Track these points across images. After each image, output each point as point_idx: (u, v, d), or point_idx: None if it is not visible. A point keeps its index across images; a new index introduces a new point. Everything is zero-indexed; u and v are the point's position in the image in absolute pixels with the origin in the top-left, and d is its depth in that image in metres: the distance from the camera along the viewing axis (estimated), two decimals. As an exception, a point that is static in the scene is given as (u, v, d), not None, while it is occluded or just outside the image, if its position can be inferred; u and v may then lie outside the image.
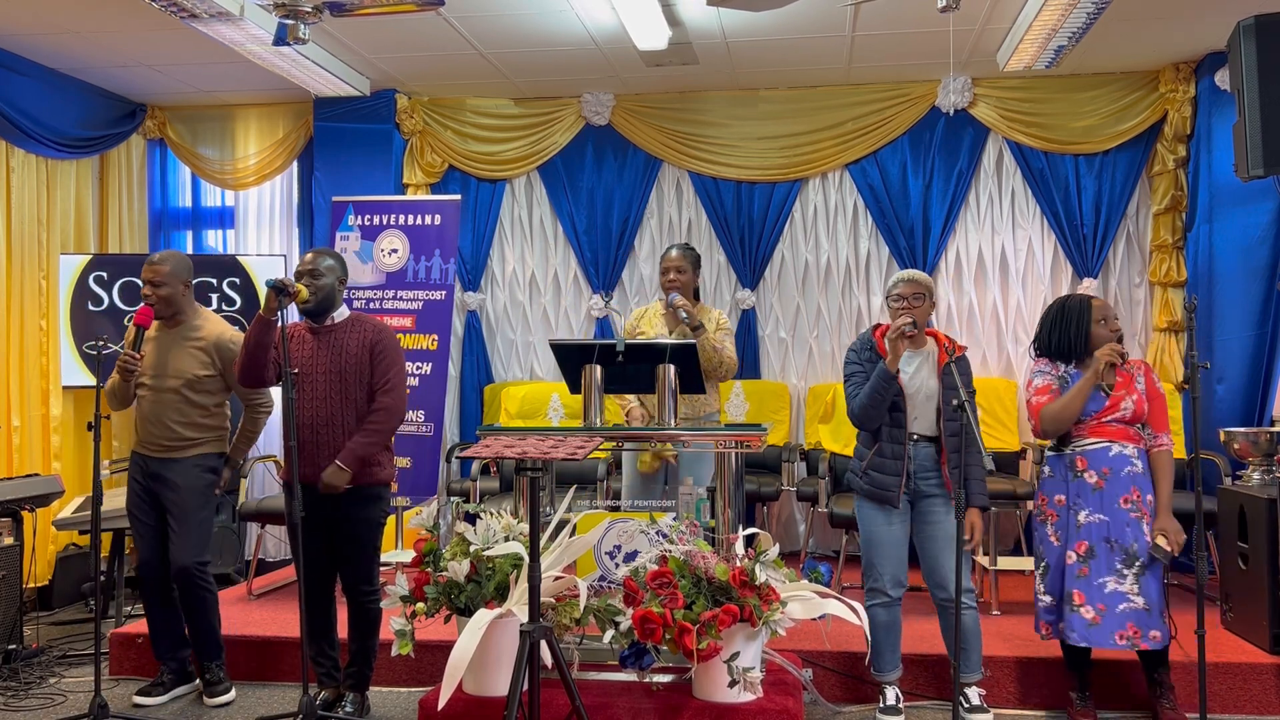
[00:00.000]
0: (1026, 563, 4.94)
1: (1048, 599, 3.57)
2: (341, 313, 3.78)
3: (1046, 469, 3.65)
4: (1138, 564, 3.44)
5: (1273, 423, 5.47)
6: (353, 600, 3.77)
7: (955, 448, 3.58)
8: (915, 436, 3.62)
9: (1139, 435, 3.56)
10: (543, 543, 3.46)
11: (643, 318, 4.54)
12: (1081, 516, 3.51)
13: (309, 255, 3.75)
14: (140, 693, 3.98)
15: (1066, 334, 3.61)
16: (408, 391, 4.17)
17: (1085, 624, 3.44)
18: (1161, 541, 3.42)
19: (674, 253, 4.37)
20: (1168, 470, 3.55)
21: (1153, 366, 3.63)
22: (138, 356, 3.87)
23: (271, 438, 6.61)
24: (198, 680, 4.12)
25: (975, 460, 3.59)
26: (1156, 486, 3.54)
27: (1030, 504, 5.12)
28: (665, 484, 4.35)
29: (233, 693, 4.02)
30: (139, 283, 5.92)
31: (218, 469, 4.05)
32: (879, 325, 3.74)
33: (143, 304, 3.92)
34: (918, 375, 3.64)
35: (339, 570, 3.78)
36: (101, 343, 3.95)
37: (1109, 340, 3.54)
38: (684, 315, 4.23)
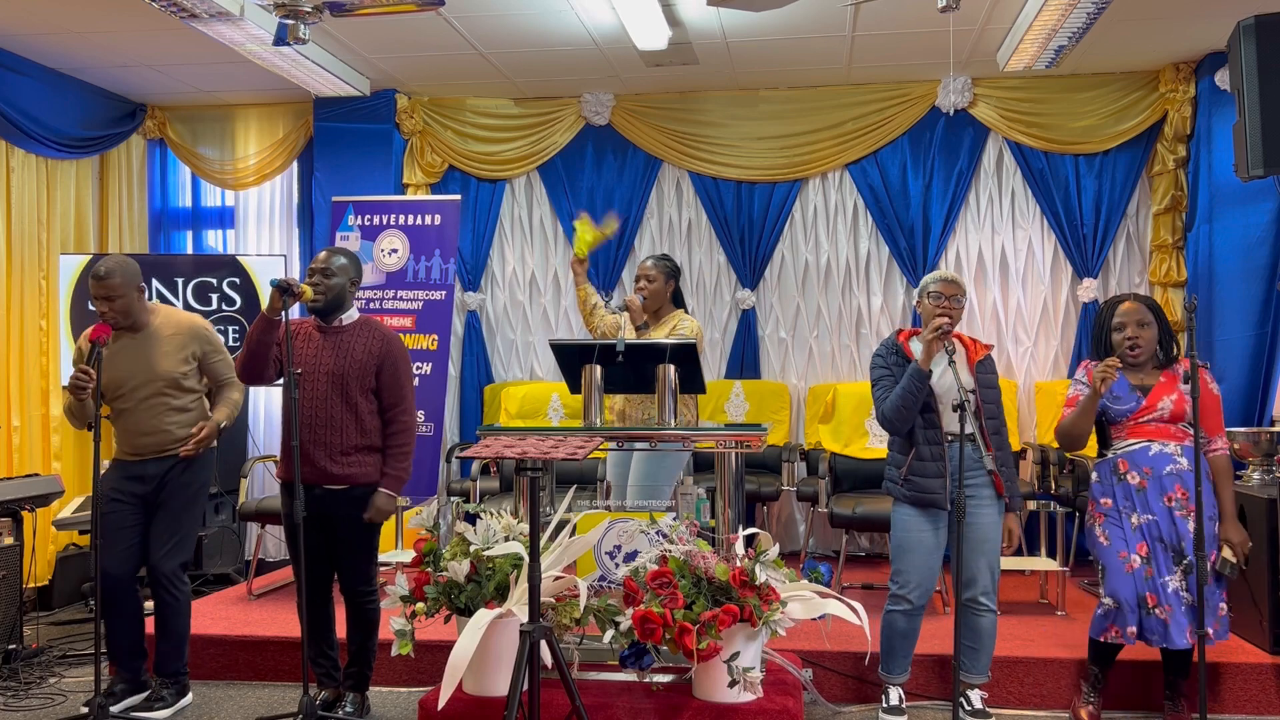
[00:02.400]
0: (1027, 563, 4.94)
1: (1109, 602, 3.48)
2: (351, 314, 3.76)
3: (1094, 474, 3.62)
4: (1185, 561, 3.41)
5: (1273, 423, 5.47)
6: (350, 602, 3.76)
7: (999, 445, 3.58)
8: (950, 437, 3.59)
9: (1184, 433, 3.49)
10: (543, 543, 3.46)
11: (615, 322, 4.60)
12: (1134, 519, 3.48)
13: (322, 254, 3.71)
14: (87, 704, 3.78)
15: (1096, 338, 3.65)
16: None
17: (1163, 625, 3.39)
18: (1227, 554, 3.38)
19: (648, 261, 4.47)
20: (1225, 475, 3.49)
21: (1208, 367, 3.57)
22: (90, 373, 3.71)
23: (271, 437, 6.62)
24: (150, 692, 3.96)
25: (1009, 463, 3.60)
26: (1217, 494, 3.48)
27: (1031, 504, 5.12)
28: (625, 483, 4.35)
29: (169, 712, 3.88)
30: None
31: (209, 467, 4.01)
32: (901, 330, 3.74)
33: (99, 321, 3.81)
34: (945, 376, 3.60)
35: (336, 571, 3.77)
36: (102, 342, 3.91)
37: (1121, 347, 3.54)
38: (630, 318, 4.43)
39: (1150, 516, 3.46)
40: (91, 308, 5.93)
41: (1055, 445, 5.78)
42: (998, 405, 3.63)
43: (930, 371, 3.52)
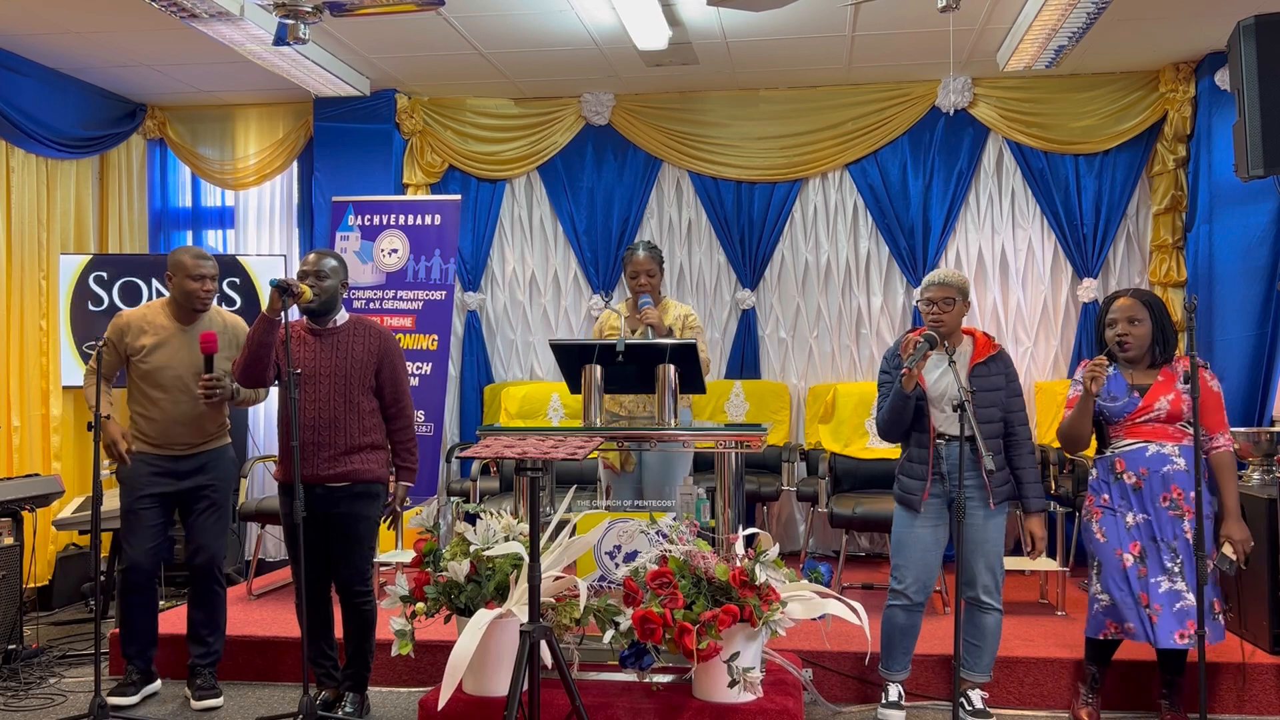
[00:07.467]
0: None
1: (1105, 598, 3.48)
2: (342, 315, 3.78)
3: (1093, 471, 3.62)
4: (1181, 560, 3.41)
5: (1273, 423, 5.47)
6: (347, 603, 3.75)
7: (997, 449, 3.58)
8: (946, 437, 3.59)
9: (1182, 433, 3.48)
10: (543, 543, 3.46)
11: (606, 323, 4.49)
12: (1129, 518, 3.48)
13: (312, 255, 3.74)
14: (113, 693, 3.91)
15: (1096, 333, 3.66)
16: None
17: (1151, 624, 3.40)
18: (1227, 550, 3.38)
19: (642, 254, 4.25)
20: (1228, 472, 3.48)
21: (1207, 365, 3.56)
22: (219, 379, 3.89)
23: (271, 438, 6.62)
24: (159, 682, 4.11)
25: (1029, 464, 3.60)
26: (1220, 491, 3.48)
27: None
28: (639, 484, 4.31)
29: (221, 699, 3.98)
30: (139, 283, 5.93)
31: (237, 461, 4.15)
32: (912, 330, 3.74)
33: (204, 333, 3.90)
34: (944, 378, 3.60)
35: (333, 569, 3.77)
36: (102, 342, 3.91)
37: (1111, 343, 3.54)
38: (650, 331, 4.13)
39: (1145, 516, 3.46)
40: (94, 308, 5.93)
41: (1056, 445, 5.78)
42: (999, 407, 3.60)
43: (911, 394, 3.53)
